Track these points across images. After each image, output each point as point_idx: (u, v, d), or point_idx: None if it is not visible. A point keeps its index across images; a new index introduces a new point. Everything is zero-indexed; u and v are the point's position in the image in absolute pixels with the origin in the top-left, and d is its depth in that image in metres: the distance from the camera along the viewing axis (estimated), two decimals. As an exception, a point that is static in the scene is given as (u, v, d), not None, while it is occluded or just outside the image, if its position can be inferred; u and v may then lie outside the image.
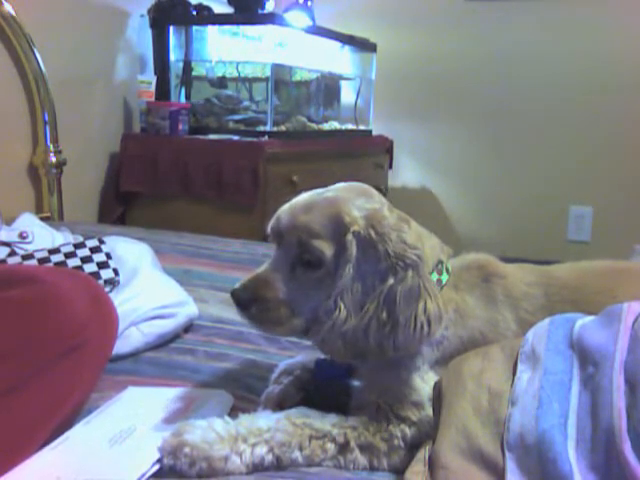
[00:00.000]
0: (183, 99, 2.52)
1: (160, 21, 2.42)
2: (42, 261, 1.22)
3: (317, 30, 2.70)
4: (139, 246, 1.41)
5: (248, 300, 0.84)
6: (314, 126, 2.72)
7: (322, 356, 0.95)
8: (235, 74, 2.61)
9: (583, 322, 0.79)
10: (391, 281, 0.80)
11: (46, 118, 2.01)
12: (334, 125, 2.90)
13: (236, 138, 2.30)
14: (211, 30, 2.52)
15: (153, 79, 2.38)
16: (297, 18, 2.74)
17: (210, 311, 1.36)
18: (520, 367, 0.76)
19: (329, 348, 0.84)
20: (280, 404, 0.92)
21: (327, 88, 3.03)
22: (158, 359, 1.14)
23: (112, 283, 1.23)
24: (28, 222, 1.46)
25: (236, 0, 2.42)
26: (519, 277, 0.92)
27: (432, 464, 0.71)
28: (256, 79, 2.61)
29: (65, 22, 2.13)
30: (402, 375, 0.84)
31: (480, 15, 3.10)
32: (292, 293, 0.84)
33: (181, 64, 2.50)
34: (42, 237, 1.37)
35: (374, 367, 0.86)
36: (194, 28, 2.49)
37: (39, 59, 1.95)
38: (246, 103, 2.57)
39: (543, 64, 3.05)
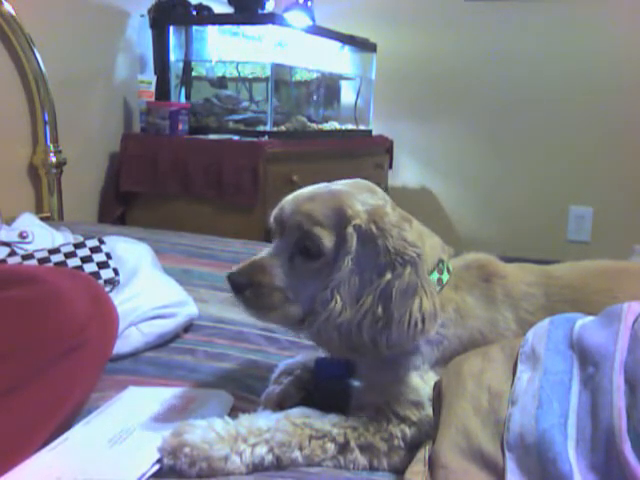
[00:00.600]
0: (183, 99, 2.52)
1: (160, 21, 2.42)
2: (42, 261, 1.22)
3: (317, 30, 2.70)
4: (139, 246, 1.41)
5: (243, 284, 0.84)
6: (314, 126, 2.72)
7: (322, 356, 0.95)
8: (235, 74, 2.61)
9: (583, 322, 0.79)
10: (388, 276, 0.80)
11: (46, 118, 2.01)
12: (334, 125, 2.90)
13: (236, 138, 2.30)
14: (211, 30, 2.52)
15: (153, 79, 2.38)
16: (297, 18, 2.75)
17: (210, 311, 1.36)
18: (520, 367, 0.76)
19: (323, 340, 0.84)
20: (280, 404, 0.92)
21: (327, 88, 3.03)
22: (158, 359, 1.14)
23: (112, 283, 1.23)
24: (28, 222, 1.46)
25: (236, 0, 2.42)
26: (519, 277, 0.92)
27: (432, 464, 0.71)
28: (256, 79, 2.61)
29: (65, 22, 2.13)
30: (402, 375, 0.84)
31: (480, 15, 3.10)
32: (288, 281, 0.84)
33: (181, 64, 2.50)
34: (42, 237, 1.36)
35: (374, 367, 0.86)
36: (194, 28, 2.49)
37: (39, 59, 1.95)
38: (246, 103, 2.58)
39: (543, 64, 3.05)
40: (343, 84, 3.17)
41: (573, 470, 0.63)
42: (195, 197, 2.24)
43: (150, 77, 2.39)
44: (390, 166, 3.15)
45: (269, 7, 2.48)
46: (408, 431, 0.82)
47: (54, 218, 2.04)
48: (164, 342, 1.20)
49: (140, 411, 0.89)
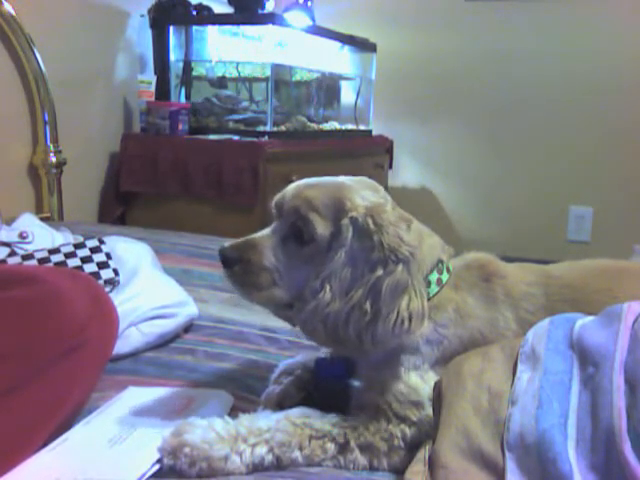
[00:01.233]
0: (183, 99, 2.52)
1: (160, 21, 2.42)
2: (42, 261, 1.22)
3: (317, 30, 2.70)
4: (139, 246, 1.41)
5: (233, 259, 0.85)
6: (314, 126, 2.72)
7: (322, 356, 0.95)
8: (235, 74, 2.61)
9: (583, 322, 0.79)
10: (380, 272, 0.80)
11: (46, 118, 2.01)
12: (334, 125, 2.90)
13: (236, 138, 2.30)
14: (211, 30, 2.52)
15: (153, 79, 2.38)
16: (297, 18, 2.74)
17: (210, 311, 1.36)
18: (520, 367, 0.76)
19: (309, 329, 0.84)
20: (280, 404, 0.92)
21: (327, 88, 3.03)
22: (158, 359, 1.14)
23: (112, 283, 1.23)
24: (28, 222, 1.46)
25: (236, 0, 2.42)
26: (519, 277, 0.91)
27: (432, 464, 0.71)
28: (256, 79, 2.61)
29: (65, 22, 2.13)
30: (402, 375, 0.84)
31: (480, 15, 3.10)
32: (279, 263, 0.85)
33: (181, 64, 2.50)
34: (42, 237, 1.37)
35: (374, 366, 0.86)
36: (194, 28, 2.49)
37: (39, 59, 1.95)
38: (246, 103, 2.58)
39: (543, 64, 3.05)
40: (343, 84, 3.17)
41: (573, 470, 0.63)
42: (195, 197, 2.24)
43: (150, 77, 2.39)
44: (390, 166, 3.15)
45: (269, 7, 2.48)
46: (408, 431, 0.82)
47: (54, 218, 2.04)
48: (164, 342, 1.20)
49: (140, 411, 0.89)
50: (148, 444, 0.78)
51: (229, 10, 2.51)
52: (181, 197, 2.27)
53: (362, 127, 3.09)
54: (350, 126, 3.02)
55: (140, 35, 2.49)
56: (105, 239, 1.33)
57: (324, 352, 0.97)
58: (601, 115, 3.00)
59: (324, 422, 0.81)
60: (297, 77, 2.84)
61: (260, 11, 2.42)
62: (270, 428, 0.79)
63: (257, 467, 0.78)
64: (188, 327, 1.28)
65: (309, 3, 2.92)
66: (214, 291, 1.47)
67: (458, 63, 3.17)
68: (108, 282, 1.22)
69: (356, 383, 0.89)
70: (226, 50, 2.55)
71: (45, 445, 0.79)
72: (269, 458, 0.78)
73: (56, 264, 1.22)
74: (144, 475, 0.74)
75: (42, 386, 0.78)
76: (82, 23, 2.21)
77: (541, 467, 0.65)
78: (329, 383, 0.92)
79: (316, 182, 0.88)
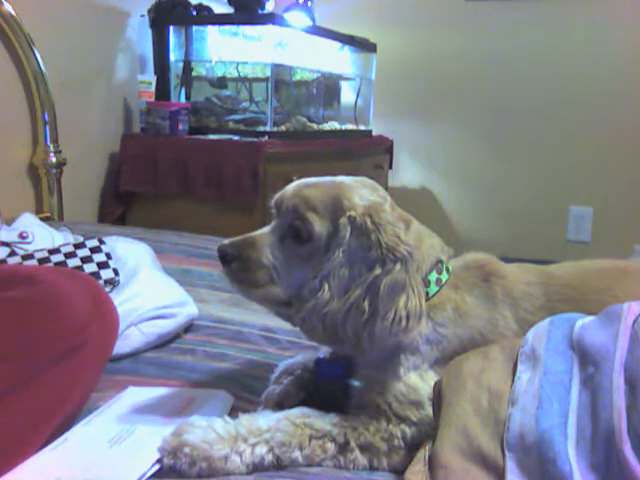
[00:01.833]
0: (183, 99, 2.52)
1: (160, 21, 2.42)
2: (42, 261, 1.22)
3: (317, 30, 2.70)
4: (139, 246, 1.41)
5: (231, 256, 0.85)
6: (314, 126, 2.72)
7: (322, 356, 0.95)
8: (235, 74, 2.61)
9: (583, 322, 0.79)
10: (378, 271, 0.80)
11: (46, 118, 2.01)
12: (334, 125, 2.90)
13: (236, 138, 2.30)
14: (211, 30, 2.52)
15: (153, 79, 2.38)
16: (297, 18, 2.75)
17: (210, 311, 1.36)
18: (520, 367, 0.76)
19: (308, 328, 0.84)
20: (280, 404, 0.92)
21: (327, 88, 3.03)
22: (158, 359, 1.14)
23: (112, 283, 1.23)
24: (28, 222, 1.46)
25: (236, 0, 2.42)
26: (519, 277, 0.92)
27: (432, 464, 0.71)
28: (256, 79, 2.61)
29: (65, 22, 2.13)
30: (402, 375, 0.84)
31: (480, 15, 3.10)
32: (276, 260, 0.85)
33: (181, 64, 2.50)
34: (42, 237, 1.37)
35: (374, 366, 0.86)
36: (194, 28, 2.49)
37: (39, 59, 1.95)
38: (245, 103, 2.58)
39: (543, 64, 3.05)
40: (343, 84, 3.17)
41: (573, 470, 0.63)
42: (195, 197, 2.24)
43: (150, 77, 2.39)
44: (390, 166, 3.15)
45: (269, 7, 2.48)
46: (408, 431, 0.82)
47: (54, 218, 2.04)
48: (164, 342, 1.20)
49: (140, 411, 0.89)
50: (148, 444, 0.78)
51: (229, 10, 2.51)
52: (181, 197, 2.27)
53: (362, 127, 3.09)
54: (350, 126, 3.02)
55: (140, 35, 2.49)
56: (105, 239, 1.33)
57: (324, 352, 0.97)
58: (601, 115, 3.01)
59: (324, 422, 0.81)
60: (297, 77, 2.84)
61: (260, 11, 2.42)
62: (270, 428, 0.79)
63: (257, 467, 0.78)
64: (188, 327, 1.28)
65: (309, 3, 2.92)
66: (214, 291, 1.47)
67: (458, 63, 3.17)
68: (108, 282, 1.22)
69: (356, 383, 0.89)
70: (226, 50, 2.55)
71: (45, 445, 0.79)
72: (269, 458, 0.78)
73: (56, 264, 1.22)
74: (144, 475, 0.74)
75: (42, 386, 0.78)
76: (82, 23, 2.21)
77: (541, 467, 0.65)
78: (329, 383, 0.92)
79: (315, 181, 0.88)
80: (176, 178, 2.24)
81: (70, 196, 2.13)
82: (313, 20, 2.90)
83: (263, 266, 0.85)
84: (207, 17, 2.52)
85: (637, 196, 3.01)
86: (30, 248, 1.30)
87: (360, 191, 0.86)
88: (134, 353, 1.14)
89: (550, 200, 3.14)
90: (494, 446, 0.69)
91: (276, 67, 2.43)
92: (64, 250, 1.25)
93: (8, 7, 1.86)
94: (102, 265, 1.24)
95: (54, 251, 1.25)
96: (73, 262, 1.23)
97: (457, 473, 0.68)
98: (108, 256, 1.27)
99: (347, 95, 3.17)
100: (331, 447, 0.80)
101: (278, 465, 0.78)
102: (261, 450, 0.77)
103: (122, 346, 1.10)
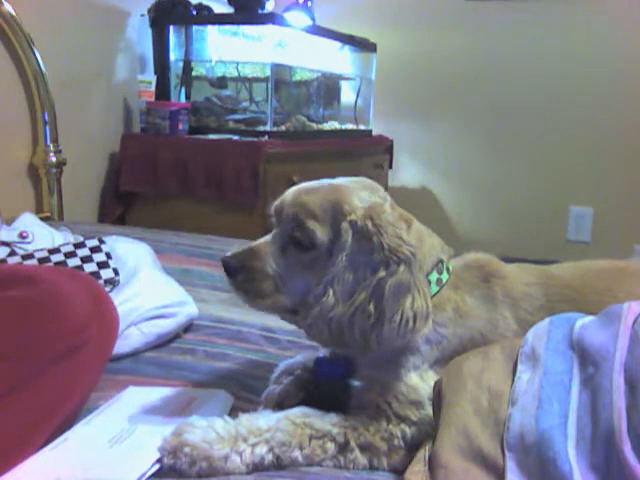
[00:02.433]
0: (183, 99, 2.52)
1: (160, 21, 2.42)
2: (42, 261, 1.22)
3: (317, 30, 2.70)
4: (139, 246, 1.41)
5: (236, 267, 0.85)
6: (314, 126, 2.72)
7: (321, 355, 0.95)
8: (235, 74, 2.61)
9: (583, 322, 0.79)
10: (382, 273, 0.80)
11: (46, 118, 2.01)
12: (334, 125, 2.90)
13: (236, 138, 2.30)
14: (211, 30, 2.52)
15: (153, 79, 2.38)
16: (297, 18, 2.75)
17: (210, 311, 1.36)
18: (520, 367, 0.76)
19: (315, 333, 0.84)
20: (280, 404, 0.92)
21: (327, 88, 3.03)
22: (158, 359, 1.14)
23: (112, 283, 1.23)
24: (28, 222, 1.46)
25: (236, 0, 2.42)
26: (519, 277, 0.92)
27: (432, 464, 0.71)
28: (256, 79, 2.61)
29: (65, 22, 2.13)
30: (402, 375, 0.84)
31: (480, 15, 3.10)
32: (281, 269, 0.85)
33: (181, 64, 2.50)
34: (42, 237, 1.37)
35: (374, 366, 0.86)
36: (194, 28, 2.49)
37: (39, 59, 1.95)
38: (246, 103, 2.57)
39: (543, 64, 3.05)
40: (343, 84, 3.17)
41: (573, 470, 0.63)
42: (195, 197, 2.24)
43: (150, 77, 2.39)
44: (390, 166, 3.15)
45: (269, 7, 2.48)
46: (408, 431, 0.82)
47: (54, 218, 2.04)
48: (164, 342, 1.20)
49: (140, 411, 0.89)
50: (148, 444, 0.78)
51: (229, 10, 2.51)
52: (181, 197, 2.27)
53: (362, 127, 3.09)
54: (350, 126, 3.02)
55: (140, 35, 2.49)
56: (105, 239, 1.33)
57: (324, 352, 0.97)
58: (601, 115, 3.01)
59: (324, 422, 0.81)
60: (297, 77, 2.84)
61: (260, 11, 2.42)
62: (270, 428, 0.79)
63: (257, 467, 0.78)
64: (188, 327, 1.28)
65: (309, 3, 2.92)
66: (214, 291, 1.47)
67: (458, 63, 3.17)
68: (108, 282, 1.22)
69: (356, 383, 0.89)
70: (226, 50, 2.55)
71: (45, 445, 0.79)
72: (269, 458, 0.78)
73: (56, 264, 1.22)
74: (144, 475, 0.74)
75: (42, 386, 0.78)
76: (82, 23, 2.21)
77: (541, 467, 0.65)
78: (329, 383, 0.92)
79: (313, 186, 0.87)
80: (176, 178, 2.24)
81: (70, 196, 2.13)
82: (313, 20, 2.90)
83: (268, 276, 0.85)
84: (207, 17, 2.52)
85: (637, 196, 3.01)
86: (30, 248, 1.30)
87: (359, 193, 0.86)
88: (134, 353, 1.14)
89: (550, 200, 3.14)
90: (494, 446, 0.69)
91: (276, 67, 2.42)
92: (64, 250, 1.25)
93: (8, 7, 1.86)
94: (102, 265, 1.24)
95: (54, 251, 1.25)
96: (73, 262, 1.23)
97: (457, 473, 0.68)
98: (108, 256, 1.27)
99: (347, 95, 3.17)
100: (331, 447, 0.80)
101: (278, 465, 0.78)
102: (261, 450, 0.77)
103: (122, 346, 1.10)
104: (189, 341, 1.23)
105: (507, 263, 0.96)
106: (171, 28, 2.45)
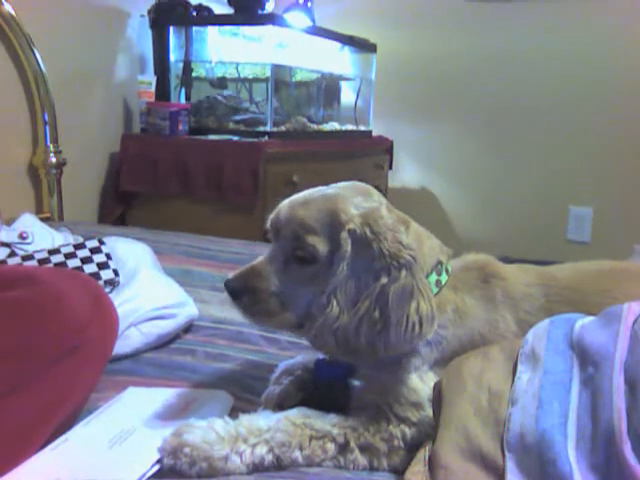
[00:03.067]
0: (183, 99, 2.52)
1: (160, 21, 2.42)
2: (42, 262, 1.22)
3: (317, 30, 2.70)
4: (139, 246, 1.41)
5: (240, 290, 0.85)
6: (314, 126, 2.72)
7: (321, 356, 0.95)
8: (235, 75, 2.61)
9: (583, 322, 0.79)
10: (384, 280, 0.80)
11: (46, 118, 2.01)
12: (334, 125, 2.90)
13: (236, 138, 2.30)
14: (211, 31, 2.52)
15: (153, 79, 2.38)
16: (297, 18, 2.75)
17: (210, 312, 1.36)
18: (520, 367, 0.76)
19: (321, 344, 0.84)
20: (280, 404, 0.92)
21: (327, 88, 3.03)
22: (158, 359, 1.14)
23: (112, 284, 1.23)
24: (28, 222, 1.46)
25: (236, 1, 2.42)
26: (519, 278, 0.92)
27: (432, 464, 0.71)
28: (256, 79, 2.61)
29: (65, 22, 2.13)
30: (401, 375, 0.84)
31: (480, 15, 3.10)
32: (285, 286, 0.85)
33: (181, 64, 2.50)
34: (42, 238, 1.37)
35: (374, 367, 0.86)
36: (194, 29, 2.49)
37: (39, 59, 1.95)
38: (245, 104, 2.57)
39: (543, 64, 3.05)
40: (343, 84, 3.17)
41: (573, 470, 0.63)
42: (195, 197, 2.24)
43: (150, 77, 2.39)
44: (390, 166, 3.15)
45: (269, 8, 2.48)
46: (408, 431, 0.82)
47: (54, 218, 2.04)
48: (164, 343, 1.20)
49: (140, 412, 0.89)
50: (148, 444, 0.78)
51: (229, 11, 2.51)
52: (181, 197, 2.27)
53: (362, 127, 3.09)
54: (350, 126, 3.02)
55: (140, 35, 2.49)
56: (105, 239, 1.33)
57: (324, 352, 0.97)
58: (601, 115, 3.01)
59: (324, 422, 0.81)
60: (297, 78, 2.84)
61: (260, 12, 2.42)
62: (270, 428, 0.79)
63: (257, 467, 0.78)
64: (188, 327, 1.28)
65: (309, 3, 2.92)
66: (214, 291, 1.47)
67: (458, 63, 3.17)
68: (108, 282, 1.22)
69: (356, 383, 0.89)
70: (226, 51, 2.55)
71: (45, 445, 0.79)
72: (269, 458, 0.78)
73: (56, 265, 1.22)
74: (144, 475, 0.74)
75: (42, 386, 0.78)
76: (82, 23, 2.21)
77: (541, 467, 0.65)
78: (329, 384, 0.92)
79: (307, 198, 0.87)
80: (176, 178, 2.24)
81: (70, 196, 2.13)
82: (313, 20, 2.90)
83: (273, 295, 0.85)
84: (207, 17, 2.52)
85: (637, 196, 3.01)
86: (30, 248, 1.30)
87: (354, 200, 0.85)
88: (134, 353, 1.14)
89: (550, 200, 3.14)
90: (494, 446, 0.69)
91: (276, 67, 2.42)
92: (64, 250, 1.25)
93: (8, 7, 1.86)
94: (102, 265, 1.24)
95: (54, 251, 1.25)
96: (73, 262, 1.24)
97: (457, 473, 0.68)
98: (108, 256, 1.27)
99: (347, 95, 3.17)
100: (331, 447, 0.80)
101: (278, 465, 0.78)
102: (261, 450, 0.77)
103: (122, 346, 1.10)
104: (189, 342, 1.23)
105: (507, 263, 0.96)
106: (171, 29, 2.45)
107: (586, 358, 0.73)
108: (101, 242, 1.30)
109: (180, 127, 2.30)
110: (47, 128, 2.02)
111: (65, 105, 2.11)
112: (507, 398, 0.73)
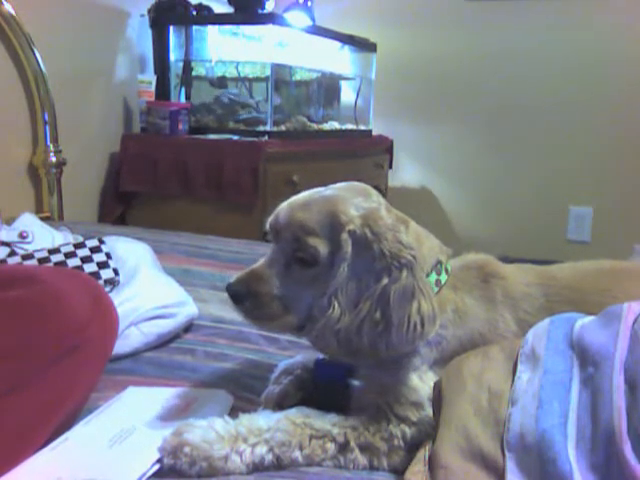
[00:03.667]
0: (183, 99, 2.52)
1: (160, 21, 2.42)
2: (42, 261, 1.22)
3: (317, 30, 2.70)
4: (139, 246, 1.41)
5: (242, 294, 0.85)
6: (314, 126, 2.72)
7: (321, 356, 0.95)
8: (235, 74, 2.61)
9: (583, 322, 0.79)
10: (385, 281, 0.80)
11: (46, 118, 2.01)
12: (334, 125, 2.90)
13: (236, 138, 2.30)
14: (211, 30, 2.52)
15: (153, 79, 2.38)
16: (297, 18, 2.74)
17: (210, 311, 1.36)
18: (520, 367, 0.76)
19: (323, 345, 0.84)
20: (280, 404, 0.92)
21: (327, 88, 3.03)
22: (158, 359, 1.14)
23: (112, 283, 1.23)
24: (28, 222, 1.46)
25: (236, 0, 2.42)
26: (518, 277, 0.92)
27: (432, 464, 0.71)
28: (256, 79, 2.61)
29: (65, 22, 2.13)
30: (401, 375, 0.84)
31: (480, 15, 3.10)
32: (286, 289, 0.85)
33: (181, 64, 2.50)
34: (42, 237, 1.37)
35: (373, 367, 0.86)
36: (194, 28, 2.49)
37: (39, 59, 1.95)
38: (251, 101, 2.57)
39: (543, 64, 3.05)
40: (343, 84, 3.17)
41: (573, 470, 0.63)
42: (195, 197, 2.24)
43: (150, 77, 2.39)
44: (390, 166, 3.15)
45: (269, 7, 2.48)
46: (408, 431, 0.82)
47: (54, 218, 2.04)
48: (164, 342, 1.20)
49: (140, 411, 0.89)
50: (148, 444, 0.78)
51: (229, 10, 2.51)
52: (181, 197, 2.27)
53: (362, 127, 3.09)
54: (350, 126, 3.02)
55: (140, 35, 2.49)
56: (105, 239, 1.33)
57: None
58: (601, 115, 3.01)
59: (324, 422, 0.81)
60: (297, 77, 2.84)
61: (260, 11, 2.42)
62: (270, 428, 0.79)
63: (257, 467, 0.78)
64: (188, 327, 1.28)
65: (309, 3, 2.92)
66: (214, 291, 1.47)
67: (458, 63, 3.17)
68: (108, 282, 1.22)
69: (356, 383, 0.89)
70: (226, 50, 2.55)
71: (46, 445, 0.79)
72: (269, 458, 0.78)
73: (56, 264, 1.22)
74: (144, 475, 0.74)
75: (42, 386, 0.78)
76: (82, 23, 2.21)
77: (541, 467, 0.65)
78: (329, 383, 0.92)
79: (306, 200, 0.87)
80: (176, 178, 2.24)
81: (70, 196, 2.13)
82: (313, 20, 2.90)
83: (276, 298, 0.85)
84: (207, 17, 2.52)
85: (637, 196, 3.01)
86: (30, 248, 1.30)
87: (354, 200, 0.85)
88: (134, 353, 1.14)
89: (550, 200, 3.14)
90: (494, 446, 0.69)
91: (276, 67, 2.42)
92: (64, 250, 1.25)
93: (8, 7, 1.86)
94: (102, 265, 1.24)
95: (54, 251, 1.25)
96: (73, 262, 1.23)
97: (457, 473, 0.68)
98: (108, 256, 1.27)
99: (347, 95, 3.17)
100: (331, 447, 0.80)
101: (278, 465, 0.78)
102: (261, 450, 0.77)
103: (122, 346, 1.10)
104: (189, 341, 1.23)
105: (507, 263, 0.96)
106: (171, 28, 2.45)
107: (586, 358, 0.73)
108: (101, 241, 1.30)
109: (180, 126, 2.30)
110: (47, 128, 2.02)
111: (65, 105, 2.11)
112: (507, 398, 0.73)
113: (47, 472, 0.74)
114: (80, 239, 1.34)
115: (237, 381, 1.04)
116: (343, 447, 0.80)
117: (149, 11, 2.42)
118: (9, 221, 1.47)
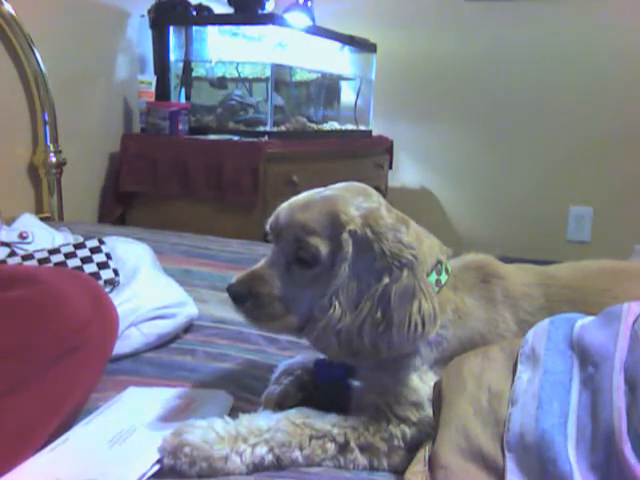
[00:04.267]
0: (183, 99, 2.52)
1: (160, 21, 2.42)
2: (42, 261, 1.22)
3: (317, 30, 2.70)
4: (139, 246, 1.41)
5: (243, 295, 0.85)
6: (314, 126, 2.72)
7: (321, 356, 0.95)
8: (235, 74, 2.61)
9: (583, 322, 0.79)
10: (386, 280, 0.80)
11: (46, 118, 2.01)
12: (334, 125, 2.90)
13: (236, 138, 2.30)
14: (211, 30, 2.52)
15: (153, 79, 2.38)
16: (297, 18, 2.75)
17: (210, 311, 1.36)
18: (520, 367, 0.76)
19: (323, 346, 0.84)
20: (280, 404, 0.92)
21: (327, 88, 3.03)
22: (158, 359, 1.14)
23: (112, 283, 1.23)
24: (28, 222, 1.46)
25: (236, 0, 2.42)
26: (518, 277, 0.92)
27: (432, 464, 0.71)
28: (256, 79, 2.61)
29: (65, 22, 2.13)
30: (401, 375, 0.84)
31: (480, 15, 3.11)
32: (287, 290, 0.85)
33: (181, 64, 2.50)
34: (42, 237, 1.36)
35: (373, 367, 0.86)
36: (194, 28, 2.49)
37: (39, 59, 1.95)
38: (250, 101, 2.57)
39: (543, 64, 3.05)
40: (343, 84, 3.17)
41: (573, 470, 0.63)
42: (195, 197, 2.24)
43: (150, 77, 2.39)
44: (390, 166, 3.15)
45: (269, 7, 2.48)
46: (408, 431, 0.82)
47: (54, 218, 2.04)
48: (164, 342, 1.20)
49: (140, 411, 0.89)
50: (148, 444, 0.78)
51: (229, 10, 2.51)
52: (181, 197, 2.27)
53: (362, 127, 3.09)
54: (350, 126, 3.02)
55: (140, 35, 2.49)
56: (105, 239, 1.33)
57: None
58: (601, 115, 3.01)
59: (324, 422, 0.81)
60: (297, 77, 2.84)
61: (260, 11, 2.42)
62: (270, 428, 0.79)
63: (257, 467, 0.78)
64: (188, 327, 1.28)
65: (309, 3, 2.92)
66: (214, 291, 1.47)
67: (458, 63, 3.17)
68: (108, 282, 1.22)
69: (356, 384, 0.89)
70: (226, 50, 2.55)
71: (45, 445, 0.79)
72: (269, 458, 0.78)
73: (56, 264, 1.22)
74: (144, 475, 0.74)
75: (42, 386, 0.78)
76: (82, 23, 2.21)
77: (541, 467, 0.65)
78: (329, 384, 0.92)
79: (306, 201, 0.87)
80: (176, 178, 2.24)
81: (70, 196, 2.13)
82: (313, 20, 2.90)
83: (277, 299, 0.85)
84: (207, 17, 2.52)
85: (637, 196, 3.01)
86: (30, 248, 1.30)
87: (354, 200, 0.85)
88: (134, 353, 1.14)
89: (550, 200, 3.14)
90: (494, 446, 0.69)
91: (276, 67, 2.43)
92: (64, 250, 1.25)
93: (8, 7, 1.86)
94: (102, 265, 1.24)
95: (54, 251, 1.25)
96: (73, 262, 1.23)
97: (457, 473, 0.68)
98: (108, 256, 1.27)
99: (347, 95, 3.17)
100: (331, 447, 0.80)
101: (278, 465, 0.78)
102: (261, 450, 0.77)
103: (122, 346, 1.10)
104: (189, 341, 1.23)
105: (507, 263, 0.96)
106: (171, 29, 2.45)
107: (586, 358, 0.73)
108: (101, 242, 1.30)
109: (180, 127, 2.31)
110: (47, 128, 2.02)
111: (65, 105, 2.11)
112: (507, 398, 0.73)
113: (47, 472, 0.74)
114: (80, 239, 1.34)
115: (237, 381, 1.04)
116: (343, 447, 0.80)
117: (149, 11, 2.42)
118: (9, 221, 1.47)
